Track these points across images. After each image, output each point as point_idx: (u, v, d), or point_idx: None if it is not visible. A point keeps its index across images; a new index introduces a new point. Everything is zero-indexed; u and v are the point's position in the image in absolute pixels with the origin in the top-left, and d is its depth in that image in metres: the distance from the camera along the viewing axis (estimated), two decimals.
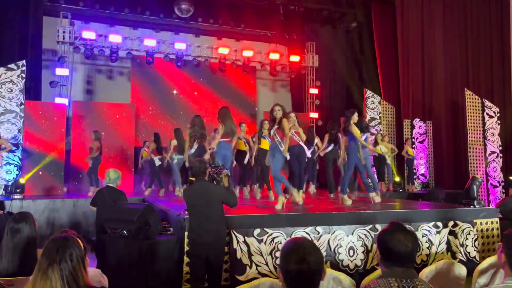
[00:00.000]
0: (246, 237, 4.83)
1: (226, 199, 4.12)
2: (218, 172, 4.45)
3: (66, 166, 9.97)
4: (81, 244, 1.85)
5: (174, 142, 8.60)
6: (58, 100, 10.93)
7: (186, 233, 4.41)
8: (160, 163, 9.21)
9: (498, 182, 10.99)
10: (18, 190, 7.88)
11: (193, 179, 4.30)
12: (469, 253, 5.68)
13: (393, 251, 1.91)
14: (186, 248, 4.36)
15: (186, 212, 4.68)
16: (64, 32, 11.60)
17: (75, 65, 12.27)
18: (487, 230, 5.88)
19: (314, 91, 13.93)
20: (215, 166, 4.56)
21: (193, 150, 6.95)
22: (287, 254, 1.70)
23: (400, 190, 10.77)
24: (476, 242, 5.73)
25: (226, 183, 4.39)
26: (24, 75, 9.39)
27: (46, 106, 10.08)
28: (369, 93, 12.01)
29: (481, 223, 5.87)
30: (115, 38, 11.91)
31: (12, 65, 9.33)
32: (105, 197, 5.00)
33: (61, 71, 11.30)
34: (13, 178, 8.93)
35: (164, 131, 11.00)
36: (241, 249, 4.80)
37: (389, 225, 2.02)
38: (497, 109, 11.21)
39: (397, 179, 11.05)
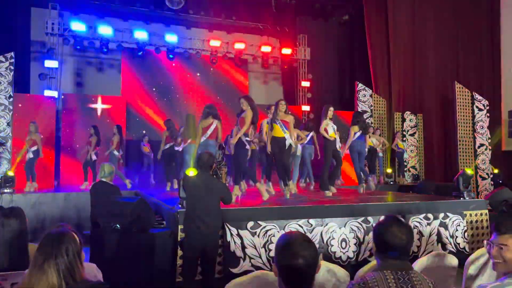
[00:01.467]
0: (239, 230, 4.85)
1: (225, 195, 4.22)
2: (219, 167, 4.55)
3: (56, 160, 9.88)
4: (77, 239, 1.84)
5: (166, 133, 8.58)
6: (47, 93, 10.79)
7: (180, 226, 4.42)
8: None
9: (487, 174, 11.16)
10: (8, 184, 7.78)
11: (186, 174, 4.31)
12: (458, 244, 5.77)
13: (388, 243, 1.93)
14: (181, 235, 4.36)
15: (180, 206, 4.70)
16: (53, 23, 11.40)
17: (64, 57, 12.11)
18: (476, 221, 5.98)
19: (306, 84, 13.93)
20: (218, 161, 4.65)
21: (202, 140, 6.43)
22: (281, 249, 1.72)
23: (391, 183, 10.88)
24: (466, 234, 5.83)
25: (224, 180, 4.50)
26: (12, 67, 9.24)
27: (36, 99, 9.95)
28: (360, 86, 12.05)
29: (470, 215, 5.96)
30: (105, 30, 11.76)
31: (0, 57, 9.18)
32: (99, 192, 4.98)
33: (50, 63, 11.14)
34: (2, 172, 8.83)
35: (155, 124, 10.96)
36: (235, 242, 4.82)
37: (384, 218, 2.04)
38: (487, 102, 11.34)
39: (389, 170, 11.16)
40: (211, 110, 6.53)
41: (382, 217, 2.15)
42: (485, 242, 2.18)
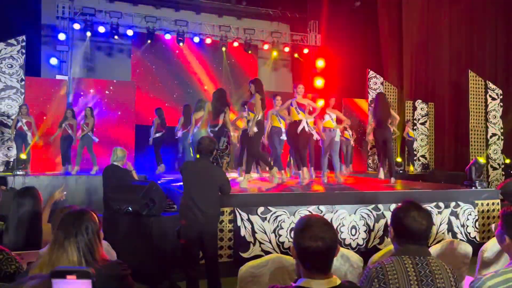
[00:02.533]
0: (250, 215, 4.88)
1: (223, 185, 4.00)
2: (221, 155, 4.44)
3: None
4: (96, 218, 1.86)
5: (157, 121, 9.15)
6: (58, 77, 10.83)
7: None
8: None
9: (498, 164, 11.04)
10: (20, 166, 7.87)
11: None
12: (469, 233, 5.75)
13: (408, 229, 1.92)
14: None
15: None
16: (63, 7, 11.38)
17: (74, 41, 12.10)
18: (487, 211, 5.94)
19: (316, 70, 13.81)
20: (220, 149, 4.56)
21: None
22: (302, 231, 1.70)
23: (400, 171, 10.81)
24: (477, 223, 5.80)
25: (225, 169, 4.37)
26: (24, 51, 9.28)
27: (47, 83, 9.99)
28: (371, 73, 11.92)
29: (482, 204, 5.92)
30: (115, 14, 11.72)
31: (12, 40, 9.21)
32: (111, 175, 5.02)
33: (61, 47, 11.15)
34: (15, 154, 8.91)
35: (165, 108, 10.92)
36: (245, 227, 4.85)
37: (404, 203, 2.03)
38: (500, 91, 11.16)
39: (399, 159, 11.09)
40: (201, 104, 7.43)
41: (395, 204, 2.12)
42: (493, 225, 2.16)
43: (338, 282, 1.66)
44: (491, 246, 2.89)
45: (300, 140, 6.64)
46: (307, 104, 6.70)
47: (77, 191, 7.84)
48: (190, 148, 7.95)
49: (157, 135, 9.26)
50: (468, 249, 2.95)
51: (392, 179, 7.11)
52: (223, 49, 13.07)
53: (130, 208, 4.57)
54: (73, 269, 1.18)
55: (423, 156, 11.98)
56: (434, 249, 2.91)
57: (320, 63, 13.77)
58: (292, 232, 4.93)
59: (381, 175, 7.44)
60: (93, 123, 8.87)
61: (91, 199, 7.68)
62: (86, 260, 1.73)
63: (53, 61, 11.14)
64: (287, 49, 13.93)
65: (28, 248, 3.03)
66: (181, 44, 12.60)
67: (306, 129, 6.64)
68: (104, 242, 2.82)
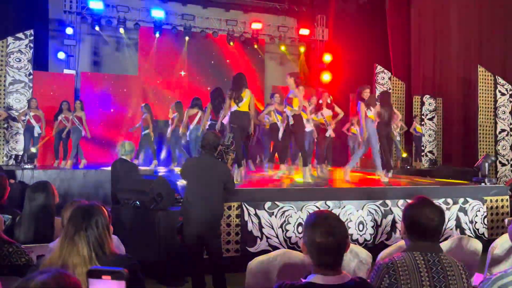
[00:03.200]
0: (257, 210, 4.88)
1: (228, 182, 3.88)
2: (226, 151, 4.40)
3: None
4: (106, 212, 1.86)
5: (147, 117, 9.10)
6: (66, 71, 10.86)
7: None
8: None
9: (507, 160, 10.94)
10: (29, 160, 7.92)
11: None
12: (477, 230, 5.71)
13: (419, 225, 1.91)
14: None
15: None
16: (71, 1, 11.39)
17: (82, 36, 12.12)
18: (496, 207, 5.89)
19: (323, 65, 13.73)
20: (226, 144, 4.52)
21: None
22: (312, 227, 1.69)
23: (408, 167, 10.76)
24: (486, 219, 5.76)
25: (229, 165, 4.34)
26: (32, 45, 9.32)
27: (55, 77, 10.03)
28: (379, 68, 11.84)
29: (491, 201, 5.88)
30: (122, 9, 11.72)
31: (20, 35, 9.24)
32: (119, 169, 5.03)
33: (68, 42, 11.17)
34: (22, 148, 8.97)
35: (169, 103, 10.92)
36: (252, 222, 4.86)
37: (416, 199, 2.01)
38: (510, 87, 11.03)
39: (404, 155, 11.03)
40: (197, 102, 8.31)
41: (403, 200, 2.10)
42: (506, 220, 2.14)
43: (348, 278, 1.65)
44: (502, 243, 2.86)
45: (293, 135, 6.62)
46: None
47: (86, 184, 7.89)
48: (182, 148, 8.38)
49: (146, 131, 9.12)
50: (478, 246, 2.93)
51: (390, 174, 7.00)
52: (230, 43, 13.01)
53: (137, 202, 4.58)
54: (109, 270, 1.22)
55: (430, 151, 11.90)
56: (443, 246, 2.88)
57: (327, 58, 13.67)
58: (300, 227, 4.94)
59: (382, 175, 6.76)
60: (84, 116, 8.83)
61: (98, 193, 7.72)
62: (96, 254, 1.73)
63: (61, 55, 11.17)
64: (294, 44, 13.83)
65: (40, 242, 3.05)
66: (188, 38, 12.58)
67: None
68: (114, 236, 2.83)
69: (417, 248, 1.89)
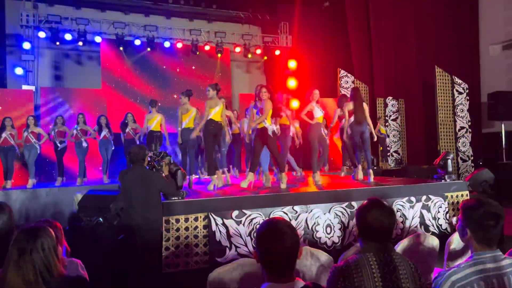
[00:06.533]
0: (224, 220, 4.85)
1: (164, 187, 4.18)
2: (159, 159, 4.46)
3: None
4: (53, 233, 1.79)
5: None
6: (25, 87, 10.51)
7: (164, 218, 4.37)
8: None
9: (468, 156, 11.36)
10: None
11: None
12: (441, 225, 5.89)
13: (370, 226, 1.94)
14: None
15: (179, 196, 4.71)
16: (27, 15, 11.07)
17: (41, 50, 11.80)
18: (457, 203, 6.09)
19: (289, 71, 13.89)
20: (155, 154, 4.55)
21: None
22: (262, 235, 1.71)
23: (374, 168, 10.97)
24: (448, 215, 5.94)
25: (167, 172, 4.43)
26: None
27: (13, 94, 9.69)
28: (342, 72, 12.07)
29: (452, 196, 6.07)
30: (82, 21, 11.48)
31: None
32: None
33: (26, 57, 10.84)
34: None
35: (137, 115, 10.76)
36: (220, 231, 4.82)
37: (367, 201, 2.04)
38: (466, 85, 11.49)
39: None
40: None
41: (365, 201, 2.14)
42: (454, 219, 2.21)
43: (301, 284, 1.66)
44: (458, 238, 2.95)
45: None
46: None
47: (48, 204, 7.61)
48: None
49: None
50: (435, 242, 3.01)
51: (371, 175, 6.94)
52: (195, 53, 12.98)
53: (101, 219, 4.47)
54: None
55: (396, 151, 12.21)
56: (402, 244, 2.96)
57: (292, 64, 13.85)
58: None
59: (360, 175, 7.10)
60: (42, 132, 8.55)
61: (61, 212, 7.47)
62: (43, 278, 1.67)
63: (19, 71, 10.82)
64: (259, 51, 13.95)
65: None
66: (152, 49, 12.46)
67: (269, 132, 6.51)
68: (76, 260, 2.74)
69: (370, 249, 1.93)
